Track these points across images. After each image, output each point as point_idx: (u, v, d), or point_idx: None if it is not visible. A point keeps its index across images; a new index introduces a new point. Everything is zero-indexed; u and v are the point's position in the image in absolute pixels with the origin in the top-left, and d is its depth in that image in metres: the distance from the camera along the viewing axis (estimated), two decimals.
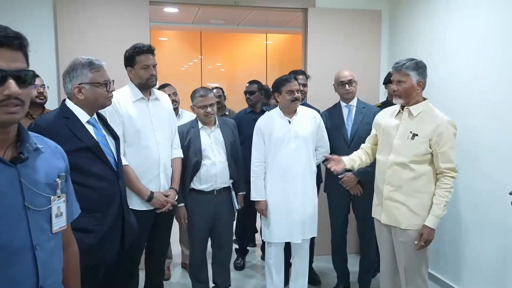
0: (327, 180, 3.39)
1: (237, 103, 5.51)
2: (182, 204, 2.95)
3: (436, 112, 2.44)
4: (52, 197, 1.25)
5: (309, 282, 3.31)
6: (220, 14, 5.51)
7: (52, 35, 3.70)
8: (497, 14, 2.90)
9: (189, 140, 2.93)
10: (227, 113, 4.47)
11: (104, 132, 2.11)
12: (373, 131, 2.77)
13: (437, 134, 2.35)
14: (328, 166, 2.69)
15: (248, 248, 4.25)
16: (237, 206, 3.13)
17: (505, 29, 2.83)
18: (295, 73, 3.47)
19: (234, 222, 3.38)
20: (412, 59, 2.44)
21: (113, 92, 2.38)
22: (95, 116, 2.12)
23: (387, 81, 3.61)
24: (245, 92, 3.99)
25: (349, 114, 3.30)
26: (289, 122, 3.02)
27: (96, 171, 1.98)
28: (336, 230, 3.37)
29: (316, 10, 4.18)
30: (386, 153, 2.51)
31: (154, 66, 2.65)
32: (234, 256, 3.91)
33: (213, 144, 2.97)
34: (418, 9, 3.83)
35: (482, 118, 3.02)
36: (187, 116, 3.85)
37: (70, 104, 2.05)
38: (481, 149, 3.02)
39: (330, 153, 3.24)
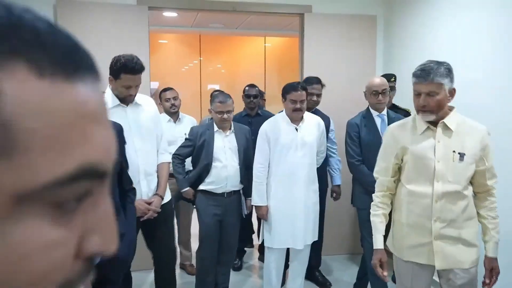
0: (357, 193, 3.18)
1: (236, 105, 5.57)
2: (187, 188, 3.05)
3: (470, 121, 2.05)
4: None
5: (318, 286, 3.55)
6: (218, 18, 5.58)
7: None
8: (490, 18, 2.96)
9: (203, 141, 3.00)
10: None
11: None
12: (393, 158, 2.14)
13: (482, 148, 1.98)
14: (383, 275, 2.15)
15: (245, 249, 4.31)
16: (245, 211, 3.18)
17: (497, 32, 2.89)
18: (309, 81, 3.47)
19: None
20: (440, 63, 1.96)
21: None
22: None
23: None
24: (248, 96, 3.99)
25: (382, 124, 3.11)
26: (296, 129, 3.00)
27: None
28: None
29: (313, 15, 4.24)
30: (427, 183, 2.01)
31: (137, 86, 2.55)
32: None
33: (226, 148, 3.03)
34: (412, 14, 3.90)
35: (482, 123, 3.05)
36: (188, 120, 3.88)
37: None
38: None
39: (367, 167, 2.96)
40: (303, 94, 2.93)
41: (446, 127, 1.99)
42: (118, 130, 2.05)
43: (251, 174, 3.10)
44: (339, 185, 3.59)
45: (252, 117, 3.90)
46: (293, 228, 3.00)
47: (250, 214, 3.71)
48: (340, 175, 3.59)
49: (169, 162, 2.84)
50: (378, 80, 3.11)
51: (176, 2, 4.06)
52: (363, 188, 3.03)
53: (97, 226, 0.34)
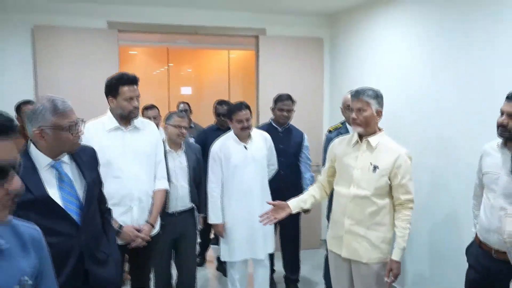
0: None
1: (202, 115, 6.05)
2: None
3: (393, 143, 2.43)
4: None
5: None
6: (182, 36, 6.02)
7: (31, 62, 4.15)
8: (419, 40, 3.46)
9: None
10: (192, 125, 4.83)
11: (71, 177, 1.89)
12: (328, 162, 2.66)
13: (396, 166, 2.33)
14: (265, 220, 2.56)
15: (211, 245, 4.52)
16: (199, 227, 3.24)
17: (425, 52, 3.38)
18: (280, 98, 3.66)
19: None
20: (370, 88, 2.41)
21: (89, 123, 2.33)
22: (64, 157, 1.89)
23: None
24: (219, 114, 4.13)
25: None
26: (245, 147, 3.15)
27: (47, 225, 1.67)
28: None
29: (267, 37, 4.76)
30: (346, 185, 2.45)
31: (138, 97, 2.56)
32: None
33: (177, 169, 3.03)
34: (353, 38, 4.48)
35: (416, 138, 3.46)
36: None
37: (32, 148, 1.84)
38: (421, 168, 3.34)
39: None
40: (247, 113, 3.11)
41: (369, 144, 2.40)
42: (91, 153, 2.09)
43: (202, 190, 3.22)
44: None
45: (223, 131, 3.76)
46: (252, 240, 3.14)
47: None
48: None
49: (166, 189, 2.78)
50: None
51: (144, 26, 4.49)
52: None
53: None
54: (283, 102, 3.66)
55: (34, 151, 1.83)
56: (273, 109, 3.75)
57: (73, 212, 1.83)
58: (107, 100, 2.57)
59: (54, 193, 1.80)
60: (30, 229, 1.21)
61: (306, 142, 3.75)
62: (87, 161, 1.99)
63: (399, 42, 3.73)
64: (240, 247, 3.15)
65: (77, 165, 1.93)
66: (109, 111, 2.59)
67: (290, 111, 3.67)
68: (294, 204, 2.63)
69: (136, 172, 2.55)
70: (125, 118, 2.56)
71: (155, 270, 3.08)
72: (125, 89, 2.49)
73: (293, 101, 3.70)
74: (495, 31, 2.72)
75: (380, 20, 4.00)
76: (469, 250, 2.34)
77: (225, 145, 3.17)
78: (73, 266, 1.83)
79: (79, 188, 1.89)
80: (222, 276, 4.18)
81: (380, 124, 2.48)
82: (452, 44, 3.08)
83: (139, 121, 2.66)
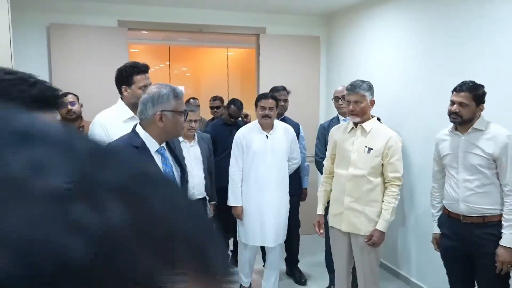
0: None
1: (202, 111, 6.30)
2: None
3: (385, 128, 2.79)
4: None
5: (295, 282, 3.89)
6: (186, 34, 6.31)
7: (46, 58, 4.41)
8: (411, 38, 3.80)
9: None
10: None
11: (171, 162, 2.03)
12: (330, 150, 2.94)
13: (387, 147, 2.63)
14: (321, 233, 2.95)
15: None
16: (209, 215, 3.26)
17: (417, 50, 3.69)
18: (275, 89, 3.83)
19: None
20: (363, 81, 2.71)
21: (98, 116, 2.45)
22: (164, 145, 2.02)
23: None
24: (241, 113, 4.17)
25: None
26: (267, 137, 3.27)
27: None
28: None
29: (267, 36, 5.06)
30: (345, 167, 2.74)
31: (150, 85, 2.50)
32: None
33: (191, 158, 3.13)
34: (348, 36, 4.78)
35: (407, 131, 3.72)
36: None
37: (141, 131, 1.94)
38: (413, 155, 3.66)
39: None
40: (272, 102, 3.23)
41: (363, 129, 2.71)
42: (179, 146, 2.29)
43: (212, 180, 3.37)
44: (305, 188, 3.94)
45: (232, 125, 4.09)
46: (263, 229, 3.26)
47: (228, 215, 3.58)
48: (307, 179, 3.96)
49: None
50: (340, 87, 3.62)
51: (152, 24, 4.77)
52: None
53: None
54: (278, 92, 3.80)
55: (144, 134, 1.93)
56: None
57: None
58: (120, 89, 2.56)
59: None
60: None
61: (302, 133, 3.89)
62: (178, 151, 2.15)
63: (393, 40, 4.03)
64: (252, 233, 3.31)
65: (173, 154, 2.08)
66: (120, 100, 2.58)
67: (286, 100, 3.83)
68: (320, 209, 2.98)
69: None
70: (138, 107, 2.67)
71: None
72: (139, 78, 2.52)
73: (288, 92, 3.86)
74: (488, 29, 2.97)
75: (375, 20, 4.30)
76: (440, 222, 2.69)
77: (248, 132, 3.33)
78: None
79: (175, 173, 2.04)
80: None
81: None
82: (447, 43, 3.35)
83: None
